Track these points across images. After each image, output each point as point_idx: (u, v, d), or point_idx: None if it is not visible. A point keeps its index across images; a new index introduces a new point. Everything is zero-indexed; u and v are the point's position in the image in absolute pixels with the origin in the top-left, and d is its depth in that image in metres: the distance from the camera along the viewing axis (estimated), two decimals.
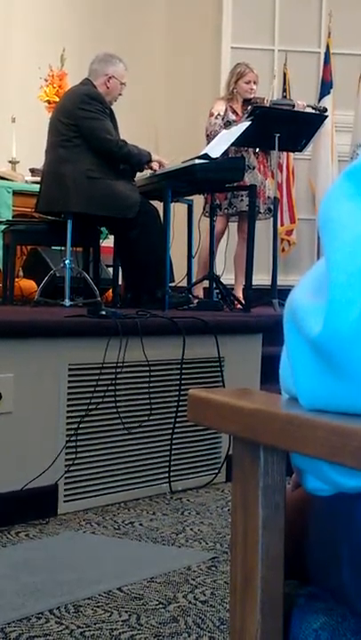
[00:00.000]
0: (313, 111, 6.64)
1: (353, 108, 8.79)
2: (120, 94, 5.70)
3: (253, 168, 6.54)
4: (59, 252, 6.09)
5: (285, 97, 8.64)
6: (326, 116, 6.67)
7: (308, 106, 6.64)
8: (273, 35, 9.01)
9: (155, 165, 5.62)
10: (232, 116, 6.62)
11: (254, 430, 0.98)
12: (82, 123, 5.37)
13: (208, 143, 6.56)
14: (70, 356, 3.69)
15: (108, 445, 3.85)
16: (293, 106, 6.68)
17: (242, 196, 6.45)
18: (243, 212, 6.55)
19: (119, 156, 5.42)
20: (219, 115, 6.62)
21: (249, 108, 6.56)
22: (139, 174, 5.78)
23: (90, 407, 3.74)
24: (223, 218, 6.59)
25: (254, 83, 6.72)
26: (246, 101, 6.68)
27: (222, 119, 6.61)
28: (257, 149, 6.57)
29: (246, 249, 5.80)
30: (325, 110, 6.80)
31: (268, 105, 6.61)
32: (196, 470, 4.22)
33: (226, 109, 6.64)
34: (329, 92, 8.84)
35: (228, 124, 6.52)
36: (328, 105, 8.63)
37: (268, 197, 6.67)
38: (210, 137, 6.60)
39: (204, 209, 6.33)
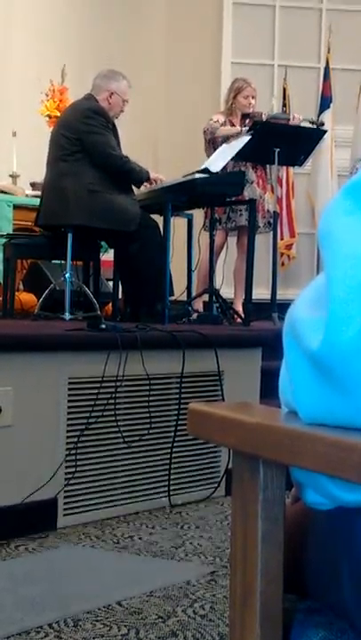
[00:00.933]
0: (310, 125, 6.66)
1: (352, 122, 8.82)
2: (122, 111, 5.72)
3: (252, 182, 6.56)
4: (59, 266, 6.09)
5: (285, 111, 8.66)
6: (325, 131, 6.69)
7: (304, 119, 6.66)
8: (273, 50, 9.05)
9: (154, 184, 5.64)
10: None
11: (254, 444, 0.98)
12: (85, 137, 5.38)
13: (206, 141, 6.59)
14: (70, 370, 3.69)
15: (108, 459, 3.85)
16: (289, 120, 6.70)
17: (240, 210, 6.47)
18: (242, 226, 6.56)
19: (122, 172, 5.43)
20: (218, 121, 6.65)
21: (247, 121, 6.59)
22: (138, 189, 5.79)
23: (90, 421, 3.73)
24: (222, 232, 6.61)
25: (253, 97, 6.76)
26: (245, 116, 6.71)
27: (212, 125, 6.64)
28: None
29: (246, 263, 5.81)
30: (323, 124, 6.82)
31: (264, 119, 6.64)
32: (196, 484, 4.21)
33: (225, 122, 6.68)
34: (328, 107, 8.87)
35: (227, 139, 6.55)
36: (328, 120, 8.67)
37: (268, 211, 6.69)
38: (206, 133, 6.61)
39: (204, 224, 6.35)
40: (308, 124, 6.64)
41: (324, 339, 0.89)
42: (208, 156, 6.51)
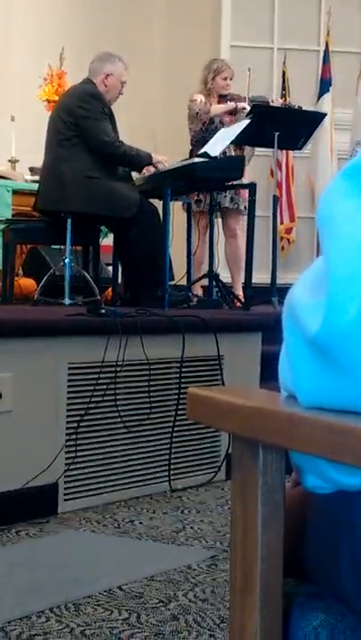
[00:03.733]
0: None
1: (352, 106, 8.79)
2: (121, 93, 5.69)
3: None
4: (58, 251, 6.09)
5: (283, 95, 8.64)
6: (325, 114, 6.68)
7: (284, 105, 6.64)
8: (272, 33, 9.00)
9: (159, 166, 5.59)
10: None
11: (253, 428, 0.98)
12: (81, 122, 5.36)
13: (193, 129, 6.55)
14: (70, 355, 3.69)
15: (108, 444, 3.85)
16: (268, 102, 6.67)
17: (225, 192, 6.45)
18: (226, 208, 6.55)
19: (115, 157, 5.41)
20: (202, 101, 6.60)
21: (229, 102, 6.53)
22: (139, 173, 5.78)
23: (90, 406, 3.74)
24: (205, 215, 6.53)
25: (230, 79, 6.74)
26: (222, 97, 6.69)
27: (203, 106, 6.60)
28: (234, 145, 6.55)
29: (246, 247, 5.80)
30: (301, 108, 6.77)
31: (245, 102, 6.61)
32: (196, 468, 4.22)
33: (206, 103, 6.65)
34: (328, 91, 8.84)
35: (211, 122, 6.53)
36: (327, 103, 8.66)
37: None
38: (199, 115, 6.55)
39: (185, 206, 6.29)
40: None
41: (324, 322, 0.89)
42: (192, 128, 6.48)
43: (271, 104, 6.57)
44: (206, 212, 6.43)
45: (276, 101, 6.62)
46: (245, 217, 6.68)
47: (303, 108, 6.54)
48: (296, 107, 6.60)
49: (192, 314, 4.48)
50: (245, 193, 6.45)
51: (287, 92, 8.75)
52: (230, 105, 6.53)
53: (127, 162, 5.50)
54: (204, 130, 6.44)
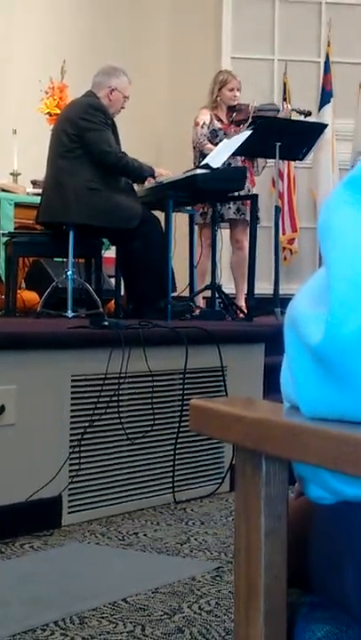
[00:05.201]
0: (299, 115, 6.65)
1: (353, 116, 8.82)
2: (123, 107, 5.71)
3: None
4: (61, 264, 6.09)
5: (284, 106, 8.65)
6: (326, 125, 6.69)
7: (293, 110, 6.66)
8: (273, 44, 9.04)
9: (160, 178, 5.61)
10: (217, 124, 6.67)
11: (256, 439, 0.98)
12: (84, 134, 5.38)
13: (195, 155, 6.61)
14: (73, 368, 3.69)
15: (112, 456, 3.85)
16: (278, 111, 6.69)
17: (229, 204, 6.47)
18: (232, 219, 6.56)
19: (117, 168, 5.42)
20: (204, 124, 6.65)
21: (234, 114, 6.55)
22: (142, 184, 5.79)
23: (93, 418, 3.74)
24: (209, 226, 6.54)
25: (238, 90, 6.77)
26: (230, 108, 6.71)
27: (208, 128, 6.65)
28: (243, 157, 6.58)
29: (248, 258, 5.80)
30: (310, 114, 6.79)
31: (252, 110, 6.63)
32: (200, 480, 4.21)
33: (211, 118, 6.69)
34: (329, 101, 8.87)
35: (213, 133, 6.55)
36: (328, 114, 8.68)
37: None
38: (196, 149, 6.63)
39: (191, 218, 6.32)
40: (297, 115, 6.63)
41: (326, 333, 0.89)
42: (196, 164, 6.51)
43: (281, 112, 6.59)
44: (210, 224, 6.45)
45: (286, 109, 6.63)
46: (265, 229, 6.71)
47: (311, 114, 6.59)
48: (306, 112, 6.63)
49: (195, 325, 4.48)
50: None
51: (288, 103, 8.76)
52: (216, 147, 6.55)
53: (129, 173, 5.51)
54: (213, 143, 6.47)
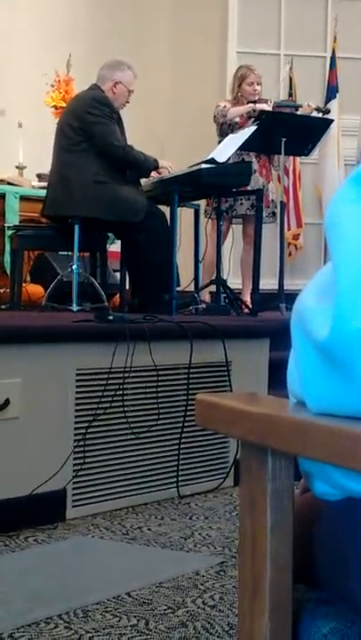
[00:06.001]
0: (316, 113, 6.63)
1: (359, 111, 8.78)
2: (127, 102, 5.71)
3: (255, 172, 6.50)
4: (66, 257, 6.09)
5: (291, 100, 8.64)
6: (332, 120, 6.68)
7: (315, 109, 6.63)
8: (279, 39, 9.01)
9: (163, 171, 5.62)
10: (236, 119, 6.64)
11: (262, 434, 0.98)
12: (90, 127, 5.38)
13: (218, 126, 6.56)
14: (78, 361, 3.69)
15: (117, 450, 3.85)
16: (297, 108, 6.68)
17: (241, 199, 6.46)
18: (245, 215, 6.55)
19: (125, 162, 5.43)
20: (226, 106, 6.60)
21: (251, 110, 6.54)
22: (145, 179, 5.79)
23: (98, 412, 3.74)
24: (226, 221, 6.56)
25: (258, 84, 6.73)
26: (251, 103, 6.69)
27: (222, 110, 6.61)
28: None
29: (253, 253, 5.80)
30: (329, 112, 6.78)
31: (270, 106, 6.62)
32: (205, 475, 4.21)
33: (224, 107, 6.65)
34: (335, 97, 8.84)
35: (230, 127, 6.54)
36: (334, 109, 8.64)
37: (272, 201, 6.68)
38: (217, 118, 6.57)
39: (205, 211, 6.34)
40: (315, 113, 6.61)
41: (332, 328, 0.89)
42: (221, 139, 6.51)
43: (304, 110, 6.57)
44: (227, 219, 6.46)
45: (309, 107, 6.61)
46: (270, 225, 6.70)
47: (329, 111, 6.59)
48: (324, 109, 6.62)
49: (200, 320, 4.48)
50: (267, 200, 6.47)
51: (294, 99, 8.74)
52: (248, 106, 6.52)
53: (136, 166, 5.51)
54: (221, 133, 6.45)
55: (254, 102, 6.65)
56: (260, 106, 6.46)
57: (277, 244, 6.45)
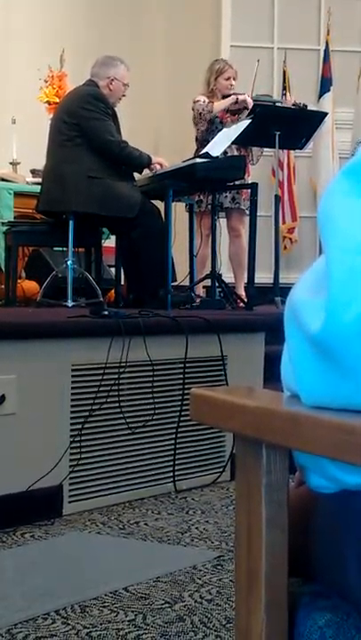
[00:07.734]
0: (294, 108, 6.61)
1: (353, 105, 8.80)
2: (124, 95, 5.72)
3: None
4: (61, 253, 6.09)
5: (284, 94, 8.65)
6: (326, 114, 6.67)
7: (293, 104, 6.62)
8: (272, 33, 9.01)
9: (156, 167, 5.63)
10: (217, 113, 6.62)
11: (256, 428, 0.98)
12: (85, 123, 5.38)
13: (204, 123, 6.54)
14: (73, 357, 3.69)
15: (113, 445, 3.85)
16: (274, 102, 6.66)
17: (226, 193, 6.45)
18: (228, 208, 6.54)
19: (120, 158, 5.43)
20: (205, 101, 6.58)
21: (233, 102, 6.51)
22: (140, 174, 5.78)
23: (93, 407, 3.74)
24: (208, 214, 6.52)
25: (233, 79, 6.73)
26: (226, 97, 6.68)
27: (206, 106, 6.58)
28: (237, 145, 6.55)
29: (248, 247, 5.79)
30: (306, 106, 6.74)
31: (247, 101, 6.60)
32: (201, 469, 4.22)
33: (208, 102, 6.64)
34: (329, 90, 8.84)
35: (211, 122, 6.52)
36: (328, 102, 8.65)
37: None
38: (202, 115, 6.53)
39: (188, 206, 6.30)
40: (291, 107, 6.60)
41: (325, 321, 0.89)
42: (198, 129, 6.49)
43: (279, 104, 6.56)
44: (208, 213, 6.41)
45: (286, 101, 6.61)
46: (265, 219, 6.68)
47: (308, 107, 6.54)
48: (302, 104, 6.59)
49: (195, 314, 4.48)
50: (247, 192, 6.43)
51: (288, 92, 8.74)
52: (232, 98, 6.52)
53: (130, 162, 5.51)
54: (209, 130, 6.44)
55: (229, 97, 6.63)
56: (242, 97, 6.46)
57: (272, 238, 6.44)
